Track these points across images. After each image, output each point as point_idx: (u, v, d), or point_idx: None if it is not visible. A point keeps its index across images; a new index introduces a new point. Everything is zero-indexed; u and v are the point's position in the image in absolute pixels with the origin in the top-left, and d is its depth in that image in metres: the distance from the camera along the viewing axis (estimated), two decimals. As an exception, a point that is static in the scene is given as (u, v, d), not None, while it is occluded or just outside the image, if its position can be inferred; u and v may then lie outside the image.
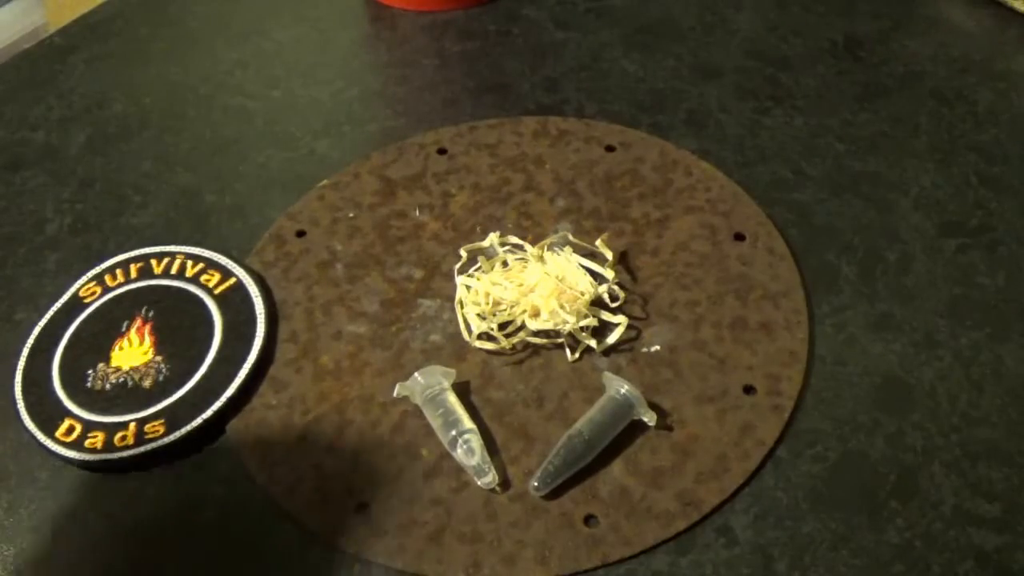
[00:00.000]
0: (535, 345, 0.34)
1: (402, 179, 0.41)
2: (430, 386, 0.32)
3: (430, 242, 0.38)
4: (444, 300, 0.36)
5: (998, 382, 0.33)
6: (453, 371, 0.33)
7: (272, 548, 0.30)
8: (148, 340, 0.35)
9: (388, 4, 0.51)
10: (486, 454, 0.31)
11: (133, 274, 0.37)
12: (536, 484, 0.30)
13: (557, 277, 0.34)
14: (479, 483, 0.30)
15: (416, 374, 0.32)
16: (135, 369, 0.34)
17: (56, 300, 0.37)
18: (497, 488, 0.30)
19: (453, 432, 0.31)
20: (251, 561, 0.29)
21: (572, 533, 0.29)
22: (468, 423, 0.31)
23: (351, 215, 0.40)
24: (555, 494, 0.30)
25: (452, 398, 0.32)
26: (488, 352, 0.34)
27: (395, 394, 0.32)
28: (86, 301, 0.37)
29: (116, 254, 0.38)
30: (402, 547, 0.29)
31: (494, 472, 0.30)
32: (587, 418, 0.31)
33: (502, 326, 0.34)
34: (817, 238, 0.38)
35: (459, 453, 0.30)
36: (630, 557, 0.29)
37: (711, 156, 0.41)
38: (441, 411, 0.31)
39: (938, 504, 0.30)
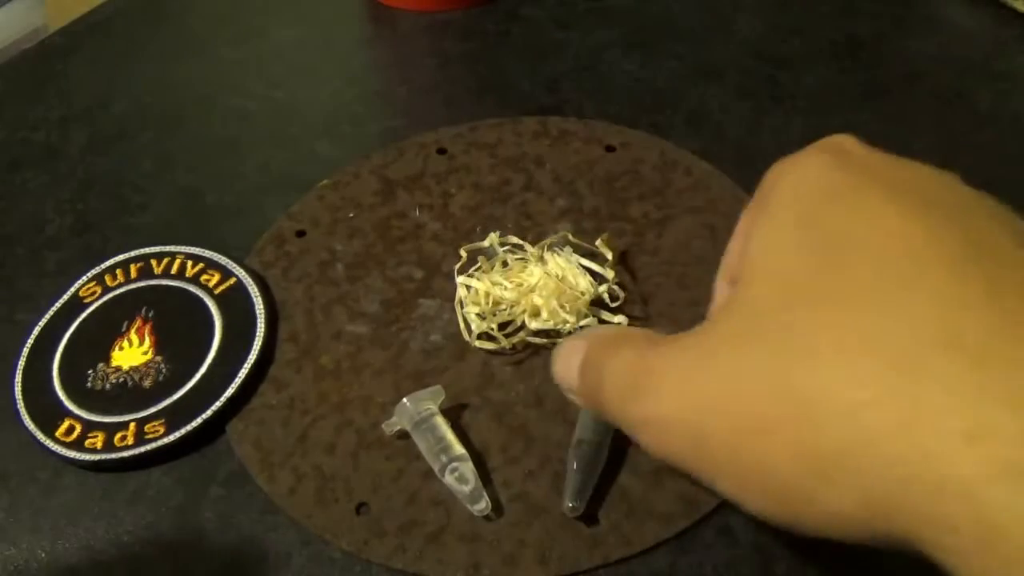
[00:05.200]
0: (535, 345, 0.34)
1: (402, 179, 0.41)
2: (418, 412, 0.31)
3: (430, 242, 0.38)
4: (444, 300, 0.36)
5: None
6: (440, 389, 0.32)
7: (272, 548, 0.30)
8: (148, 340, 0.35)
9: (388, 4, 0.51)
10: (478, 480, 0.30)
11: (133, 274, 0.37)
12: (571, 505, 0.29)
13: (557, 277, 0.34)
14: (472, 510, 0.29)
15: (405, 400, 0.31)
16: (135, 369, 0.34)
17: (56, 300, 0.37)
18: (491, 515, 0.29)
19: (444, 458, 0.30)
20: (251, 561, 0.29)
21: (572, 533, 0.29)
22: (458, 449, 0.30)
23: (351, 215, 0.40)
24: (557, 496, 0.30)
25: (440, 421, 0.31)
26: (488, 352, 0.34)
27: (386, 430, 0.31)
28: (86, 301, 0.37)
29: (116, 254, 0.38)
30: (402, 547, 0.29)
31: (487, 499, 0.29)
32: (580, 425, 0.31)
33: (502, 326, 0.34)
34: (817, 238, 0.38)
35: (449, 480, 0.30)
36: (630, 557, 0.29)
37: (711, 156, 0.41)
38: (429, 436, 0.31)
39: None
